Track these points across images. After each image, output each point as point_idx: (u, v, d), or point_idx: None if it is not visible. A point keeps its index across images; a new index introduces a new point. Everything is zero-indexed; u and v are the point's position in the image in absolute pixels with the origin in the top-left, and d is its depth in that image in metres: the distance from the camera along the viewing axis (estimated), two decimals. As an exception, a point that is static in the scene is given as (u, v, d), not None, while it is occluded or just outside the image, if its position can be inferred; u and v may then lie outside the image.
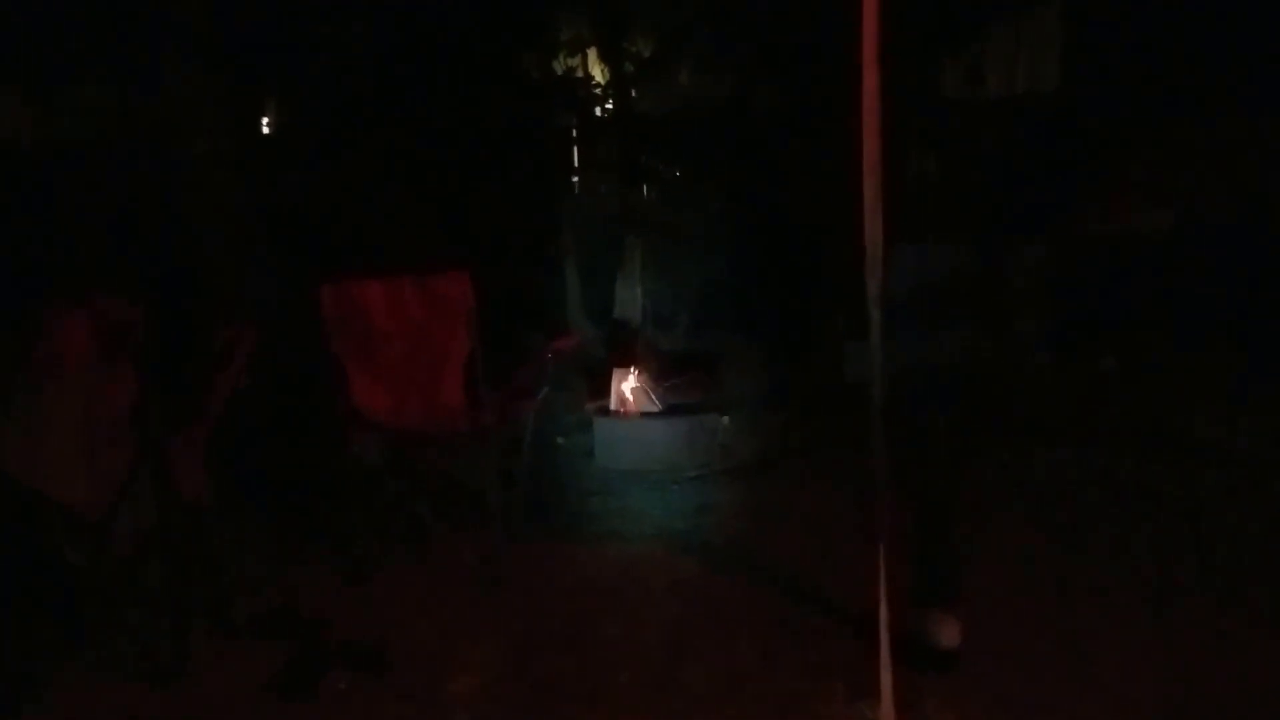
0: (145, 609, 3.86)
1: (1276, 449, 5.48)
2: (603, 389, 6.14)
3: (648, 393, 6.05)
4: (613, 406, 6.07)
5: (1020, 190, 7.10)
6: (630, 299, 7.47)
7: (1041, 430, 5.86)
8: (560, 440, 6.23)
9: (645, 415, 6.00)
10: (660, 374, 6.21)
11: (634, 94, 8.40)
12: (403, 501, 4.49)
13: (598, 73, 8.55)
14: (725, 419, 6.07)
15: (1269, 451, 5.46)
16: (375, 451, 4.49)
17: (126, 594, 3.89)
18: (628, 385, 6.07)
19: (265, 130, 7.21)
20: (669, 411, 6.02)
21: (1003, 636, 3.68)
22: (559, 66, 8.31)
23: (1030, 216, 7.07)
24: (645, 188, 8.43)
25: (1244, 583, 4.04)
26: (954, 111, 7.61)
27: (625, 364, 6.14)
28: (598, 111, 8.53)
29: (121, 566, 3.82)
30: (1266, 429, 5.71)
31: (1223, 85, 7.13)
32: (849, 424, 3.38)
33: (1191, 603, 3.90)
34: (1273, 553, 4.30)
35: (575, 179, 8.64)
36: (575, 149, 8.63)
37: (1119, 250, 7.10)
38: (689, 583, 4.29)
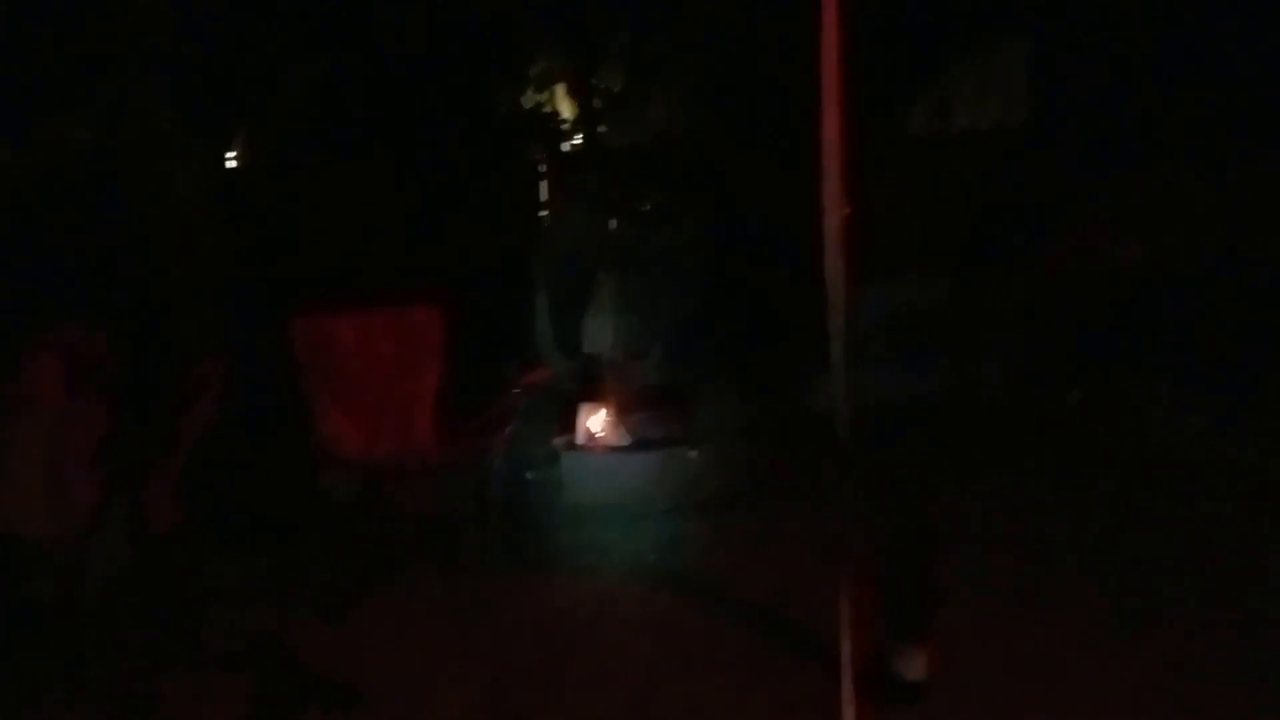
0: (117, 644, 3.82)
1: (1243, 479, 5.55)
2: (573, 423, 6.15)
3: (619, 427, 6.06)
4: (583, 440, 6.07)
5: (988, 224, 7.19)
6: (601, 332, 7.49)
7: (1010, 463, 5.91)
8: (530, 474, 6.23)
9: (616, 449, 6.01)
10: (631, 407, 6.22)
11: (603, 129, 8.45)
12: (375, 535, 4.47)
13: (566, 108, 8.60)
14: (696, 453, 6.09)
15: (1237, 482, 5.53)
16: (347, 485, 4.48)
17: (98, 629, 3.85)
18: (598, 419, 6.08)
19: (234, 162, 7.20)
20: (640, 445, 6.04)
21: (971, 669, 3.69)
22: (527, 101, 8.36)
23: (998, 251, 7.16)
24: (615, 221, 8.47)
25: (1214, 612, 4.09)
26: (921, 145, 7.70)
27: (596, 398, 6.15)
28: (567, 146, 8.57)
29: (93, 601, 3.79)
30: (1234, 459, 5.79)
31: (1190, 121, 7.27)
32: (819, 457, 3.41)
33: (1162, 633, 3.94)
34: (1241, 581, 4.35)
35: (545, 212, 8.67)
36: (545, 183, 8.67)
37: (1086, 285, 7.20)
38: (660, 617, 4.30)
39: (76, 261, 5.05)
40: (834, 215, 2.92)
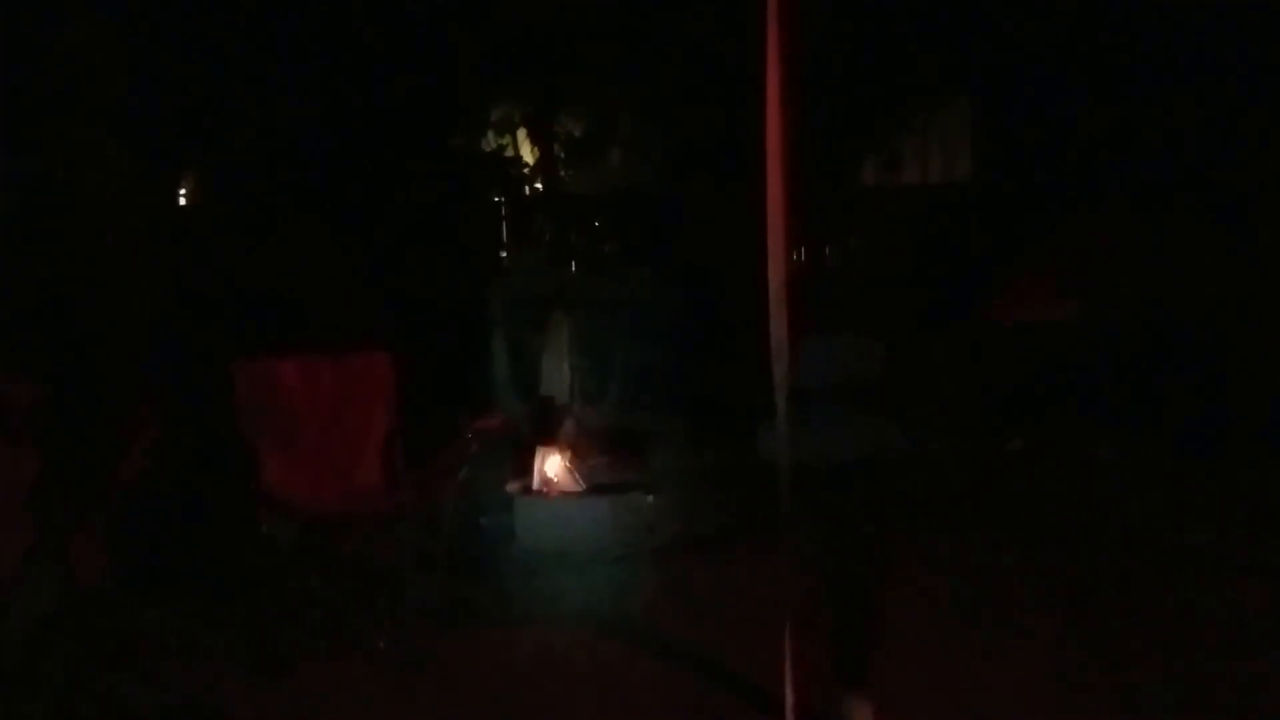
0: (41, 701, 3.72)
1: (1178, 532, 5.59)
2: (527, 468, 6.07)
3: (572, 472, 5.99)
4: (536, 486, 5.99)
5: (933, 278, 7.27)
6: (557, 376, 7.45)
7: (953, 511, 5.93)
8: (482, 521, 6.16)
9: (569, 495, 5.93)
10: (586, 452, 6.16)
11: (563, 174, 8.48)
12: (317, 588, 4.38)
13: (526, 152, 8.61)
14: (650, 499, 6.03)
15: (1171, 535, 5.56)
16: (289, 535, 4.40)
17: (21, 684, 3.75)
18: (552, 464, 6.00)
19: (182, 203, 7.15)
20: (593, 491, 5.96)
21: (916, 717, 3.66)
22: (487, 145, 8.38)
23: (942, 304, 7.24)
24: (573, 264, 8.47)
25: (1152, 663, 4.09)
26: (869, 199, 7.81)
27: (550, 442, 6.09)
28: (527, 190, 8.59)
29: (17, 654, 3.69)
30: (1165, 511, 5.83)
31: (1128, 181, 7.42)
32: (772, 505, 3.39)
33: (1104, 682, 3.93)
34: (1178, 634, 4.36)
35: (504, 254, 8.66)
36: (504, 226, 8.67)
37: (1027, 338, 7.30)
38: (608, 669, 4.23)
39: (9, 305, 4.95)
40: (777, 271, 2.92)
